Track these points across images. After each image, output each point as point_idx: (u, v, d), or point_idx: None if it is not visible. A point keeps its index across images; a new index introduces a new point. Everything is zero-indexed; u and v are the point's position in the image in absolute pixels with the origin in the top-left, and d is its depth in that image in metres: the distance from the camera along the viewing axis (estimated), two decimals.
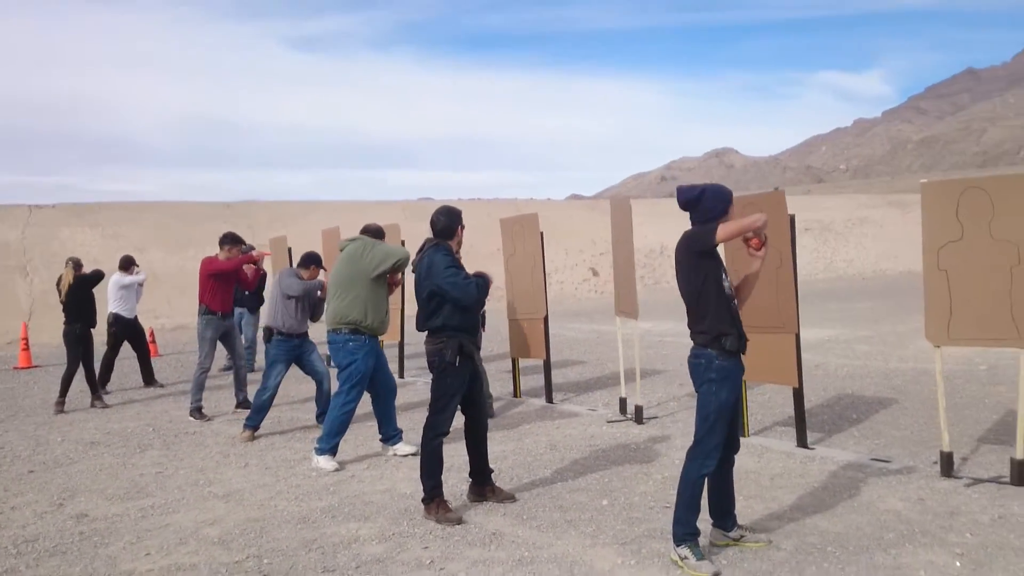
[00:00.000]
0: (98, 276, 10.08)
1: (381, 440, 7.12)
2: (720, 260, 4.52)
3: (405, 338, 11.49)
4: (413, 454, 6.78)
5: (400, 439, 7.07)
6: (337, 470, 6.58)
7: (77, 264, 10.07)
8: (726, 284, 4.50)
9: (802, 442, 6.72)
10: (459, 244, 5.66)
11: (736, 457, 4.77)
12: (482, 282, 5.46)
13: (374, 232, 6.98)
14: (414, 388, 10.57)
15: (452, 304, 5.41)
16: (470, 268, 5.58)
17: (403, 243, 11.04)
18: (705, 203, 4.49)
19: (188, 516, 5.58)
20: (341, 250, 6.92)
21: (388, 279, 6.88)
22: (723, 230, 4.34)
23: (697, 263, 4.45)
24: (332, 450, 6.75)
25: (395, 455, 6.96)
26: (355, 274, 6.70)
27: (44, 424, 8.98)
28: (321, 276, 8.14)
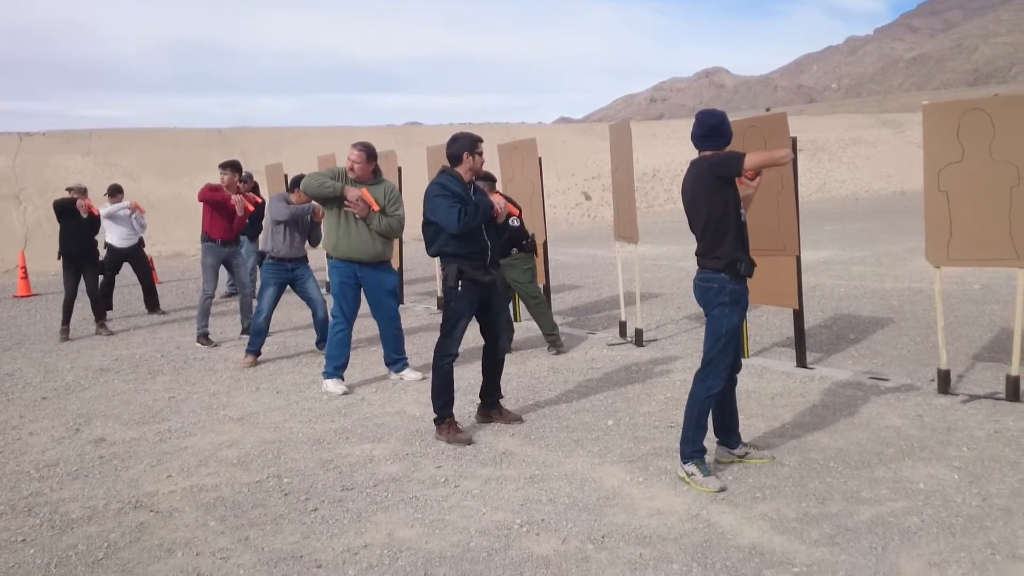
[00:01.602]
0: (68, 204, 9.91)
1: (386, 364, 7.25)
2: (735, 187, 4.58)
3: (404, 263, 11.57)
4: (420, 380, 6.92)
5: (405, 365, 7.21)
6: (345, 393, 6.72)
7: (80, 191, 10.02)
8: (742, 211, 4.58)
9: (802, 362, 6.88)
10: (471, 171, 5.63)
11: (738, 377, 4.89)
12: (471, 209, 5.40)
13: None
14: (413, 313, 10.68)
15: (444, 231, 5.46)
16: None
17: (399, 170, 11.06)
18: (725, 130, 4.58)
19: (205, 439, 5.72)
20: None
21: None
22: (751, 159, 4.41)
23: (721, 188, 4.52)
24: (335, 373, 6.90)
25: (401, 380, 7.10)
26: None
27: (51, 351, 9.07)
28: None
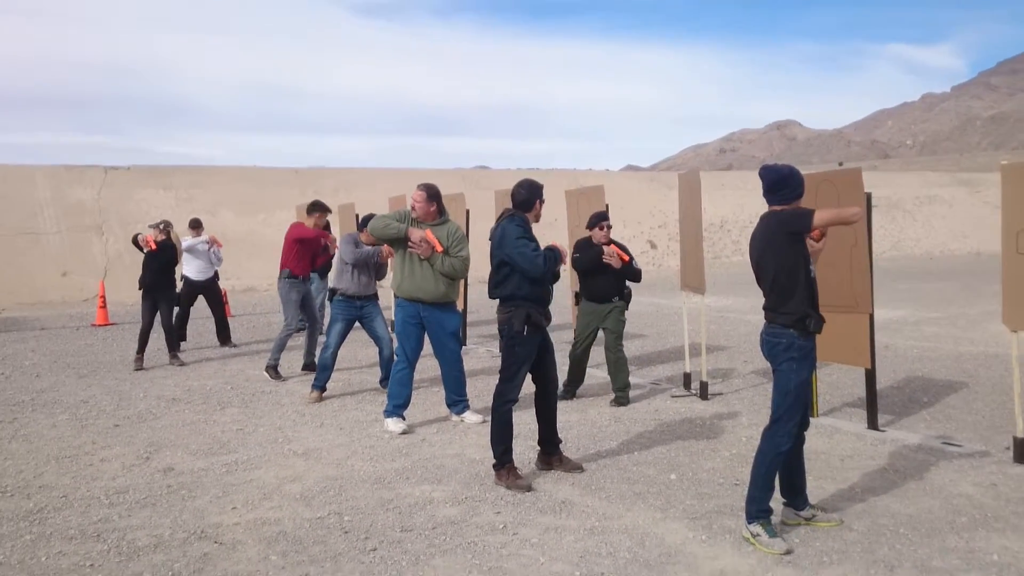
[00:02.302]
0: (174, 254, 10.44)
1: (447, 406, 7.28)
2: (805, 243, 4.54)
3: (468, 305, 11.65)
4: (480, 423, 6.94)
5: (466, 407, 7.22)
6: (405, 432, 6.75)
7: (167, 227, 10.39)
8: (812, 267, 4.54)
9: (873, 424, 6.71)
10: (537, 217, 5.74)
11: (805, 435, 4.80)
12: (551, 255, 5.53)
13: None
14: (476, 355, 10.72)
15: (521, 274, 5.51)
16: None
17: (468, 212, 11.20)
18: (792, 184, 4.55)
19: (270, 473, 5.80)
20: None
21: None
22: (820, 216, 4.39)
23: (790, 244, 4.49)
24: (395, 412, 6.93)
25: (462, 422, 7.11)
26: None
27: (125, 380, 9.33)
28: None
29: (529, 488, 5.37)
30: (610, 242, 7.85)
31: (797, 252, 4.50)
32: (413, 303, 6.88)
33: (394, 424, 6.87)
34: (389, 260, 7.88)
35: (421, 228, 6.78)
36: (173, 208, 20.89)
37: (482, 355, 10.79)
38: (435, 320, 6.95)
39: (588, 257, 7.80)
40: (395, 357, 7.10)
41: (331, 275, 10.08)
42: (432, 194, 6.87)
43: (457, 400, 7.21)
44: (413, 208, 6.84)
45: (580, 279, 8.02)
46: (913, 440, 6.41)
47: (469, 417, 7.13)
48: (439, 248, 6.74)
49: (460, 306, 11.51)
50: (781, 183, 4.58)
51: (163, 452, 6.36)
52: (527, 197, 5.68)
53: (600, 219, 7.99)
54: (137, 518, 4.96)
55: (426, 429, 6.94)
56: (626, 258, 7.74)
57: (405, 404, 7.00)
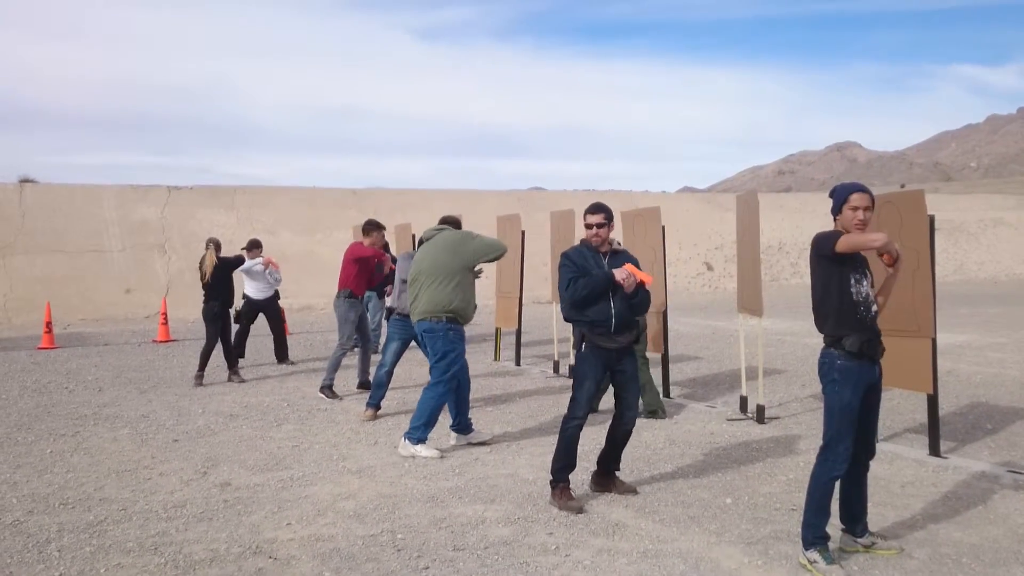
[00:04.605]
0: (239, 261, 10.75)
1: (453, 428, 7.19)
2: (849, 264, 4.45)
3: (523, 326, 11.70)
4: (482, 443, 7.02)
5: (472, 429, 7.20)
6: (441, 457, 6.65)
7: (218, 245, 10.63)
8: (855, 289, 4.43)
9: (935, 450, 6.54)
10: (598, 238, 5.64)
11: (870, 464, 4.69)
12: (583, 280, 5.44)
13: (455, 223, 7.13)
14: (529, 376, 10.72)
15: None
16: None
17: (523, 233, 11.24)
18: (832, 198, 4.57)
19: (324, 489, 5.85)
20: (423, 240, 7.07)
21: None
22: (843, 242, 4.36)
23: (822, 265, 4.48)
24: (423, 439, 6.80)
25: (468, 444, 7.08)
26: (454, 263, 6.80)
27: (185, 396, 9.51)
28: None
29: (581, 510, 5.33)
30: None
31: (830, 273, 4.45)
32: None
33: (425, 450, 6.76)
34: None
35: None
36: (234, 227, 21.33)
37: (535, 375, 10.78)
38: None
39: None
40: (448, 382, 6.97)
41: (389, 295, 10.20)
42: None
43: (467, 423, 7.22)
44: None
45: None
46: (976, 467, 6.23)
47: (475, 437, 7.14)
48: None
49: (515, 327, 11.60)
50: (832, 194, 4.58)
51: (220, 467, 6.46)
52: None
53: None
54: (194, 532, 5.04)
55: (479, 449, 6.94)
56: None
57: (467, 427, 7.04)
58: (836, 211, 4.52)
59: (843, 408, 4.41)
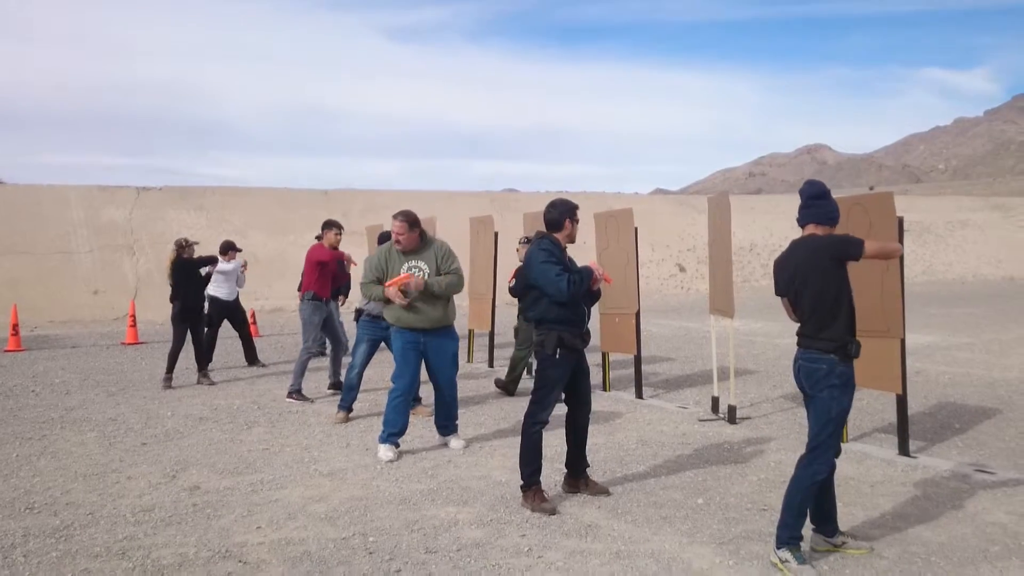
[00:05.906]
0: (205, 261, 10.60)
1: (437, 428, 7.20)
2: (846, 270, 4.52)
3: (496, 328, 11.66)
4: (463, 449, 6.96)
5: (453, 431, 7.14)
6: (391, 461, 6.60)
7: (182, 245, 10.46)
8: (853, 295, 4.52)
9: (904, 450, 6.60)
10: (569, 238, 5.66)
11: (836, 462, 4.73)
12: (577, 278, 5.44)
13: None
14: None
15: (548, 298, 5.47)
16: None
17: (496, 235, 11.23)
18: (829, 205, 4.56)
19: (295, 492, 5.80)
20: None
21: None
22: (870, 247, 4.42)
23: (836, 270, 4.49)
24: (389, 439, 6.78)
25: (447, 446, 7.05)
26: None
27: (153, 399, 9.40)
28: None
29: (554, 511, 5.33)
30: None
31: (841, 278, 4.49)
32: (413, 332, 6.82)
33: (385, 452, 6.70)
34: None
35: (403, 258, 6.75)
36: (204, 228, 21.11)
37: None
38: (436, 345, 6.90)
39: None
40: (391, 384, 6.96)
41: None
42: (412, 222, 6.78)
43: (446, 424, 7.13)
44: (397, 241, 6.77)
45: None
46: (945, 467, 6.30)
47: (454, 442, 7.06)
48: (413, 283, 6.60)
49: (488, 328, 11.56)
50: (822, 195, 4.61)
51: (189, 471, 6.38)
52: (556, 217, 5.64)
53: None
54: (162, 536, 4.97)
55: (452, 451, 6.92)
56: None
57: (401, 432, 6.86)
58: (837, 220, 4.61)
59: (840, 413, 4.47)
